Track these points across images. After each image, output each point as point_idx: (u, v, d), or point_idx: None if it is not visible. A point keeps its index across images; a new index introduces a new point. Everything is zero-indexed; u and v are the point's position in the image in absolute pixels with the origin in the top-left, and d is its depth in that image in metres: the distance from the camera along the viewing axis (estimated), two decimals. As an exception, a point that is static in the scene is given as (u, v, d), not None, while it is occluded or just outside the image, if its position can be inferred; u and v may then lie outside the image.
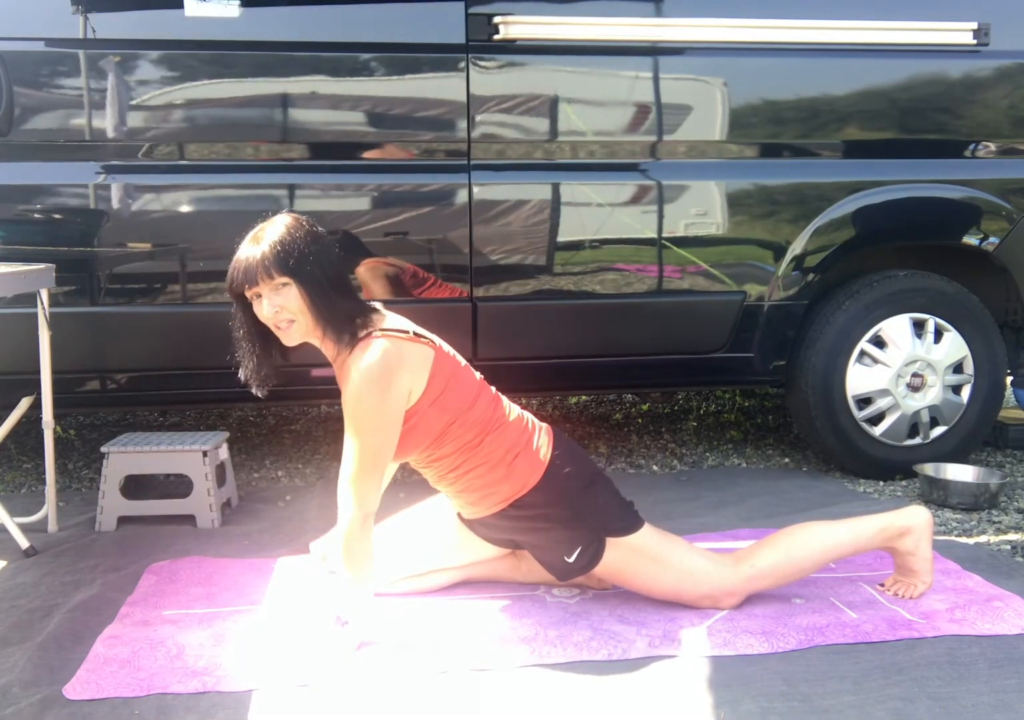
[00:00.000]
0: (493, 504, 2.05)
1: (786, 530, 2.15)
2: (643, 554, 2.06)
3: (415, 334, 1.98)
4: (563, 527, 2.04)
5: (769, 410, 4.24)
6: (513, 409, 2.11)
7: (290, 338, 1.98)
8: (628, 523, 2.07)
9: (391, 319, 2.02)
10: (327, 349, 2.01)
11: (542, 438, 2.07)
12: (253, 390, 2.04)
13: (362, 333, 1.95)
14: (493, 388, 2.13)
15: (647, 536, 2.07)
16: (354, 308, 1.98)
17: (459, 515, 2.19)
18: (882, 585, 2.21)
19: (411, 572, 2.20)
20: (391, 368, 1.90)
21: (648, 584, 2.09)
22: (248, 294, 1.96)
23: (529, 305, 2.93)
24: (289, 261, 1.90)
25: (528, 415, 2.13)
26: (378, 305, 2.07)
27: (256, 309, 1.96)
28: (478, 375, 2.12)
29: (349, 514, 1.90)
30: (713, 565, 2.08)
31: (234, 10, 2.67)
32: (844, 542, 2.11)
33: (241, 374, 2.04)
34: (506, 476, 2.02)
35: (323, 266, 1.94)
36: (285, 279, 1.90)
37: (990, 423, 3.26)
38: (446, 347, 2.06)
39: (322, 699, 1.73)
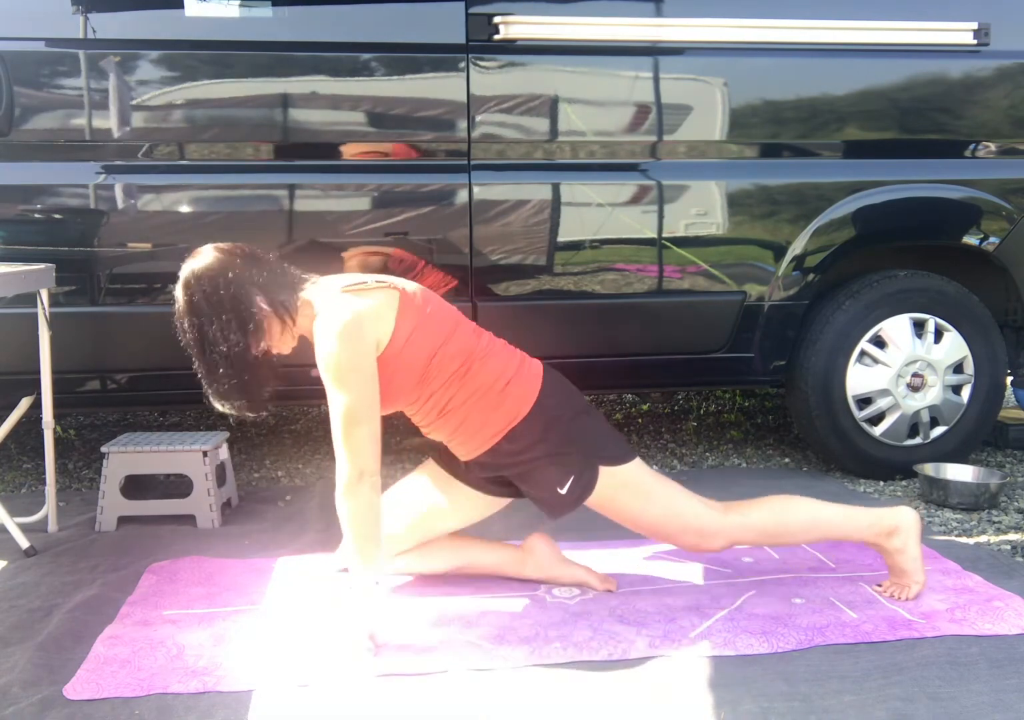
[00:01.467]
0: (487, 438, 2.04)
1: (782, 496, 2.19)
2: (634, 486, 2.09)
3: (376, 281, 2.01)
4: (556, 456, 2.05)
5: (769, 410, 4.24)
6: (499, 341, 2.13)
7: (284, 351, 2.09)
8: (620, 452, 2.09)
9: (340, 279, 2.05)
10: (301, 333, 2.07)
11: (532, 368, 2.10)
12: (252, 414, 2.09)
13: (320, 299, 2.00)
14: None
15: (639, 469, 2.10)
16: (284, 306, 2.00)
17: (451, 470, 2.18)
18: (879, 585, 2.22)
19: (409, 542, 2.19)
20: (356, 322, 1.92)
21: (636, 516, 2.12)
22: None
23: (529, 305, 2.93)
24: (192, 346, 1.98)
25: (517, 349, 2.14)
26: (315, 278, 2.08)
27: None
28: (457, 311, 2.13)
29: (342, 473, 1.91)
30: (703, 506, 2.11)
31: (234, 10, 2.67)
32: (833, 522, 2.15)
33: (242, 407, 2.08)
34: (498, 404, 2.02)
35: (216, 331, 1.95)
36: (200, 357, 1.99)
37: (990, 423, 3.26)
38: (412, 286, 2.07)
39: (322, 699, 1.73)
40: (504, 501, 2.23)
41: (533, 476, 2.08)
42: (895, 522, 2.14)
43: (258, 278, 1.99)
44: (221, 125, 2.75)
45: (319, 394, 2.97)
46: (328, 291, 2.01)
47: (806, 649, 1.91)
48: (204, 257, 1.99)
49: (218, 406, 2.05)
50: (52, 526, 2.64)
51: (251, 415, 2.07)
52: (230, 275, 1.96)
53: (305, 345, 2.21)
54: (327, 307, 1.97)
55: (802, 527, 2.15)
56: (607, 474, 2.06)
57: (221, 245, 2.03)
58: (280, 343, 2.05)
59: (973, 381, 3.17)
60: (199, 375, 2.01)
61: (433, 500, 2.20)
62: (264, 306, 1.98)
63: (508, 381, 2.04)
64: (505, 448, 2.05)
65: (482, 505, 2.21)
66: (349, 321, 1.92)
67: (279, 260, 2.08)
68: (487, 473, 2.14)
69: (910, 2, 3.04)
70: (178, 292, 1.99)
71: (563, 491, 2.06)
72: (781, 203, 3.02)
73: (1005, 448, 3.54)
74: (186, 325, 1.97)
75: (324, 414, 4.21)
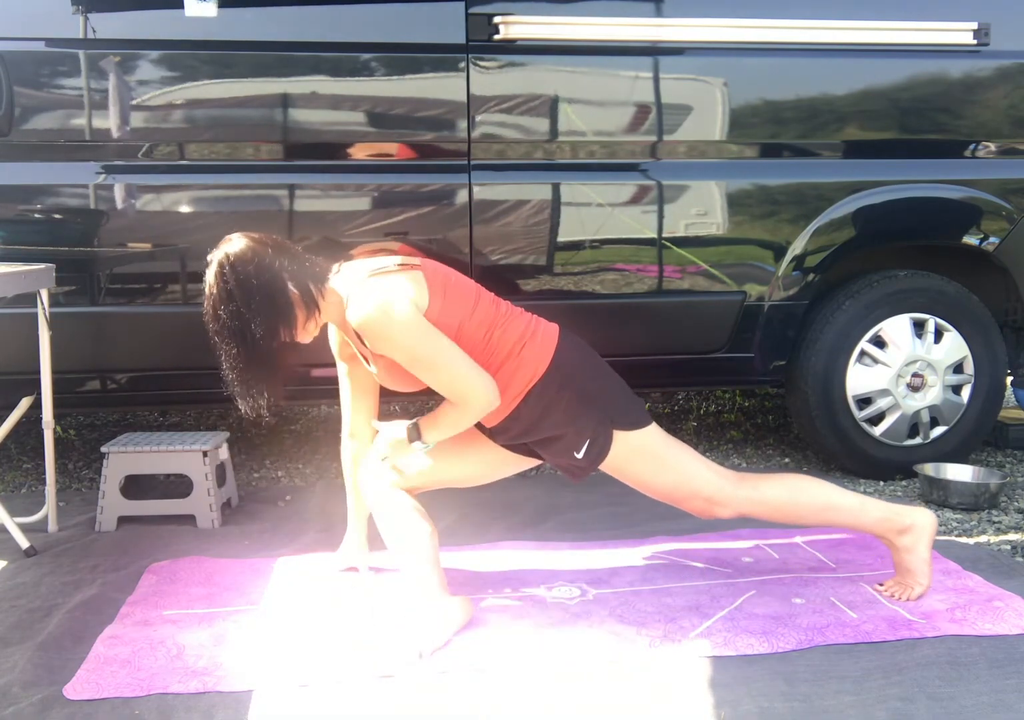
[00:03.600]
0: (507, 402, 2.06)
1: (799, 475, 2.22)
2: (649, 451, 2.10)
3: (397, 265, 2.03)
4: (571, 419, 2.06)
5: (769, 410, 4.24)
6: (516, 309, 2.16)
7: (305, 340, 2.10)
8: (636, 417, 2.10)
9: (362, 265, 2.06)
10: (326, 321, 2.10)
11: (548, 332, 2.11)
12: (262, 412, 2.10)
13: (346, 287, 2.03)
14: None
15: (654, 434, 2.11)
16: (312, 294, 2.02)
17: (480, 428, 2.20)
18: (881, 585, 2.22)
19: (422, 480, 2.20)
20: (394, 295, 1.95)
21: (648, 481, 2.14)
22: None
23: (529, 305, 2.91)
24: (225, 334, 1.97)
25: (534, 315, 2.17)
26: (337, 267, 2.10)
27: None
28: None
29: (480, 398, 1.94)
30: (715, 475, 2.12)
31: (234, 10, 2.68)
32: (846, 508, 2.15)
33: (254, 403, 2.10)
34: (516, 368, 2.05)
35: (251, 317, 1.96)
36: (233, 344, 1.98)
37: (990, 423, 3.26)
38: (431, 262, 2.11)
39: (322, 699, 1.73)
40: (527, 462, 2.25)
41: (551, 443, 2.10)
42: (910, 521, 2.14)
43: (289, 266, 2.01)
44: (221, 125, 2.75)
45: (319, 394, 2.99)
46: (354, 278, 2.03)
47: (806, 649, 1.91)
48: (236, 244, 2.00)
49: (241, 399, 2.06)
50: (52, 526, 2.64)
51: (266, 412, 2.08)
52: (263, 262, 1.98)
53: (306, 346, 2.21)
54: (359, 293, 1.98)
55: (814, 510, 2.15)
56: (622, 439, 2.08)
57: (252, 234, 2.04)
58: (304, 332, 2.06)
59: (973, 381, 3.17)
60: (227, 366, 2.00)
61: (460, 447, 2.21)
62: (294, 293, 2.00)
63: (523, 345, 2.06)
64: (524, 412, 2.06)
65: (510, 462, 2.23)
66: (388, 296, 1.94)
67: (304, 251, 2.11)
68: (510, 441, 2.16)
69: (910, 2, 3.04)
70: (211, 279, 1.99)
71: (579, 456, 2.08)
72: (781, 203, 3.02)
73: (1005, 448, 3.54)
74: (222, 312, 1.96)
75: (324, 414, 4.21)
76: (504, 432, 2.14)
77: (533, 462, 2.25)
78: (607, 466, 2.13)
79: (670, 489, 2.13)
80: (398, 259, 2.07)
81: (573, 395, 2.06)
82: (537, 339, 2.08)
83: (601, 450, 2.08)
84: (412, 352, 1.95)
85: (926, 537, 2.15)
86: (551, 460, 2.15)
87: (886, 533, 2.15)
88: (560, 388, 2.05)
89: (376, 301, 1.95)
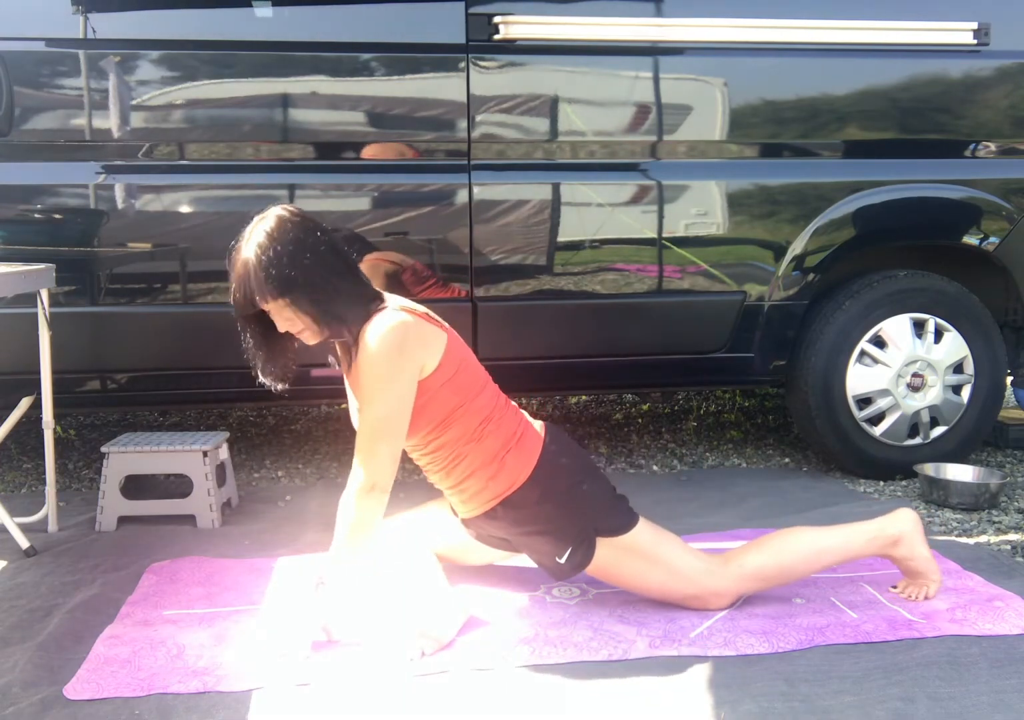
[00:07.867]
0: (484, 502, 2.04)
1: (777, 533, 2.15)
2: (633, 553, 2.05)
3: (429, 315, 2.02)
4: (552, 527, 2.03)
5: (769, 410, 4.24)
6: (511, 407, 2.12)
7: (308, 341, 2.01)
8: (620, 523, 2.06)
9: (402, 302, 2.03)
10: (338, 345, 2.07)
11: (534, 435, 2.07)
12: (270, 386, 2.07)
13: (376, 308, 1.97)
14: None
15: (639, 535, 2.06)
16: (357, 305, 1.96)
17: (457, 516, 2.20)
18: (894, 587, 2.20)
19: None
20: (406, 337, 1.91)
21: (636, 582, 2.09)
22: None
23: (529, 305, 2.93)
24: (278, 284, 1.88)
25: (524, 413, 2.13)
26: (386, 295, 2.07)
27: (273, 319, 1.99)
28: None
29: (356, 479, 1.92)
30: (703, 564, 2.07)
31: (235, 9, 2.68)
32: (833, 548, 2.11)
33: (258, 375, 2.06)
34: (496, 472, 2.01)
35: (313, 275, 1.91)
36: (281, 301, 1.91)
37: (990, 423, 3.26)
38: (455, 335, 2.08)
39: (322, 699, 1.73)
40: (509, 556, 2.24)
41: (531, 544, 2.09)
42: (896, 531, 2.11)
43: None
44: (221, 125, 2.75)
45: (319, 394, 2.99)
46: (384, 306, 1.99)
47: (806, 649, 1.91)
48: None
49: (262, 370, 2.04)
50: (52, 526, 2.64)
51: (288, 376, 2.06)
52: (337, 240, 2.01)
53: (305, 345, 2.21)
54: (382, 318, 1.93)
55: (805, 561, 2.10)
56: (606, 543, 2.04)
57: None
58: (312, 338, 2.00)
59: (973, 381, 3.17)
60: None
61: (445, 536, 2.23)
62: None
63: (508, 450, 2.02)
64: (501, 514, 2.04)
65: (484, 552, 2.23)
66: (399, 333, 1.90)
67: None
68: (486, 533, 2.15)
69: (910, 2, 3.04)
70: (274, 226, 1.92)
71: (562, 561, 2.04)
72: (781, 203, 3.03)
73: (1005, 448, 3.54)
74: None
75: (324, 414, 4.21)
76: (480, 525, 2.12)
77: (515, 555, 2.23)
78: (593, 570, 2.08)
79: (660, 588, 2.08)
80: (430, 312, 2.03)
81: (553, 506, 2.02)
82: (522, 447, 2.03)
83: (584, 557, 2.04)
84: (374, 373, 1.90)
85: (918, 538, 2.13)
86: (533, 557, 2.12)
87: (881, 550, 2.13)
88: (539, 501, 2.02)
89: (391, 322, 1.91)
